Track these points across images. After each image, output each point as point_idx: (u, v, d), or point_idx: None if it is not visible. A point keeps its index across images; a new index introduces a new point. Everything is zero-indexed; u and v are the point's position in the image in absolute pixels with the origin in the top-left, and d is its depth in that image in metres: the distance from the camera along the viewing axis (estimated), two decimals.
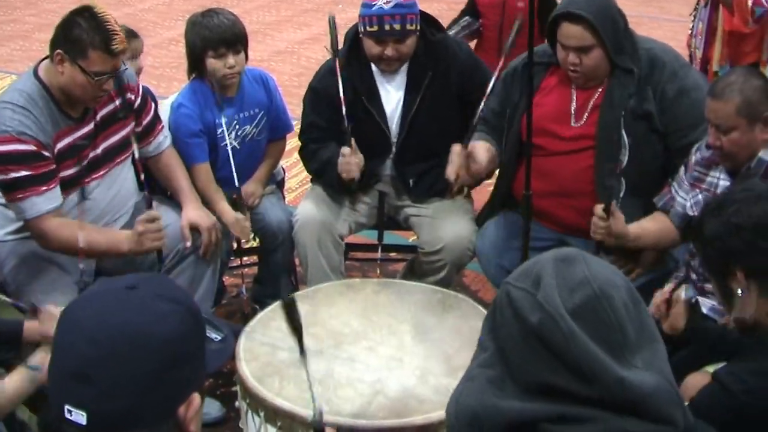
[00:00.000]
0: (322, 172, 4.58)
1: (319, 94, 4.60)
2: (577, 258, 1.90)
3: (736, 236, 2.58)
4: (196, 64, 4.49)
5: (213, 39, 4.34)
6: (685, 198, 3.84)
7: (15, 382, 2.89)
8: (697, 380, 3.21)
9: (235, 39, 4.39)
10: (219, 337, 1.99)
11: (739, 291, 2.60)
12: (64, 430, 1.68)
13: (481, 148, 4.25)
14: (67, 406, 1.67)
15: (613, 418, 1.76)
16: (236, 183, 4.60)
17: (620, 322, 1.80)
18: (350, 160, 4.33)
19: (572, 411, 1.77)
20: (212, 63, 4.39)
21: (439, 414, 2.83)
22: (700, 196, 3.76)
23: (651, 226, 3.99)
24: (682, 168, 3.88)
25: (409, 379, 3.18)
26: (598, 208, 3.83)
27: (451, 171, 4.19)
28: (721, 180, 3.71)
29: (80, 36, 3.68)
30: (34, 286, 3.91)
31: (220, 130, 4.53)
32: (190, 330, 1.77)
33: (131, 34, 4.63)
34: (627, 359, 1.79)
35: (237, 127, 4.58)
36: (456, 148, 4.22)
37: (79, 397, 1.66)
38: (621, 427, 1.77)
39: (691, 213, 3.79)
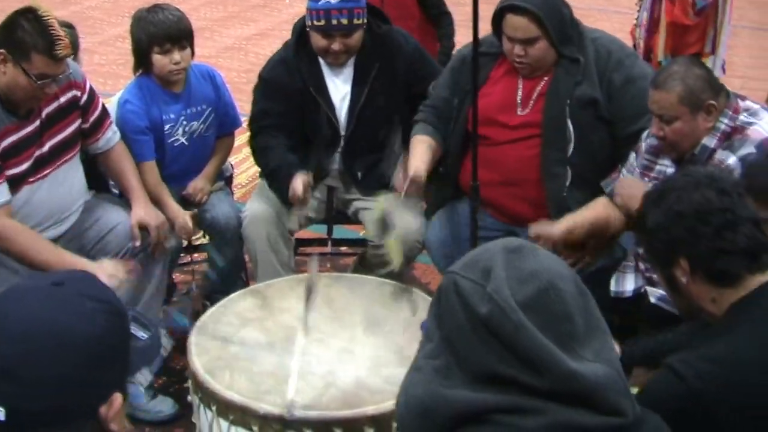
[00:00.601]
0: (270, 179, 4.57)
1: (269, 83, 4.60)
2: (527, 249, 1.90)
3: (679, 224, 2.59)
4: (141, 60, 4.47)
5: (158, 35, 4.34)
6: None
7: None
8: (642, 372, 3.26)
9: (180, 34, 4.38)
10: (146, 336, 1.98)
11: (684, 279, 2.62)
12: None
13: (422, 158, 4.24)
14: None
15: (562, 410, 1.78)
16: (184, 180, 4.61)
17: (569, 313, 1.82)
18: (299, 200, 4.34)
19: (521, 402, 1.78)
20: (158, 59, 4.38)
21: (391, 404, 2.82)
22: (649, 185, 3.79)
23: (583, 217, 3.99)
24: (633, 154, 3.91)
25: (361, 371, 3.18)
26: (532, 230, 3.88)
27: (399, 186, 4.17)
28: (668, 168, 3.74)
29: (23, 39, 3.65)
30: None
31: (167, 127, 4.52)
32: (115, 329, 1.77)
33: (66, 26, 4.60)
34: (576, 351, 1.80)
35: (184, 123, 4.57)
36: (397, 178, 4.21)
37: None
38: (570, 419, 1.78)
39: None
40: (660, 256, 2.71)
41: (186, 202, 4.61)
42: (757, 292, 2.55)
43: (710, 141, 3.56)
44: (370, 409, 2.92)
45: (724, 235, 2.54)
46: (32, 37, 3.65)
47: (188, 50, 4.45)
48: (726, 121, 3.56)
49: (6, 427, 1.65)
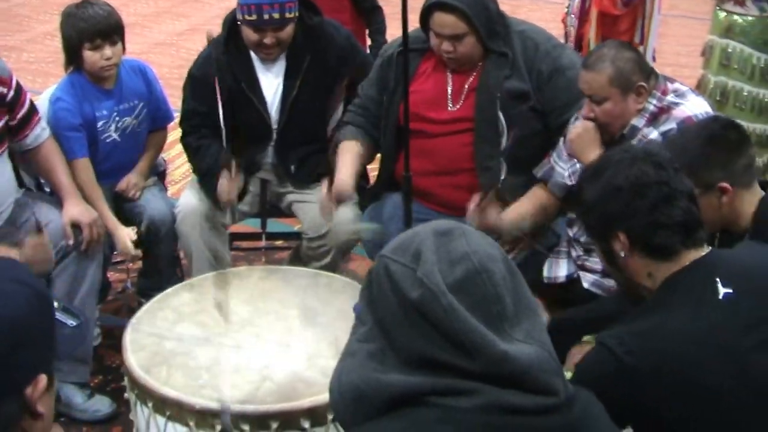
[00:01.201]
0: (201, 180, 4.56)
1: (198, 81, 4.58)
2: (457, 231, 1.91)
3: (616, 198, 2.61)
4: (72, 57, 4.43)
5: (89, 30, 4.30)
6: (564, 167, 3.90)
7: None
8: (575, 350, 3.28)
9: (110, 30, 4.35)
10: (74, 323, 1.99)
11: (622, 254, 2.64)
12: None
13: (348, 169, 4.25)
14: None
15: (495, 391, 1.79)
16: (117, 176, 4.61)
17: (500, 295, 1.82)
18: (228, 188, 4.35)
19: (455, 384, 1.79)
20: (89, 55, 4.35)
21: (325, 397, 2.82)
22: (577, 166, 3.82)
23: (524, 207, 4.04)
24: (561, 139, 3.95)
25: (297, 363, 3.18)
26: (475, 198, 3.90)
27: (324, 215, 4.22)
28: None
29: None
30: None
31: (100, 123, 4.49)
32: (37, 312, 1.76)
33: None
34: (507, 332, 1.81)
35: (117, 119, 4.54)
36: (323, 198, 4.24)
37: None
38: (504, 399, 1.79)
39: (569, 182, 3.86)
40: (598, 230, 2.73)
41: (120, 198, 4.57)
42: (689, 268, 2.58)
43: (639, 122, 3.63)
44: (306, 402, 2.93)
45: (660, 209, 2.57)
46: None
47: (119, 45, 4.41)
48: (654, 102, 3.63)
49: None
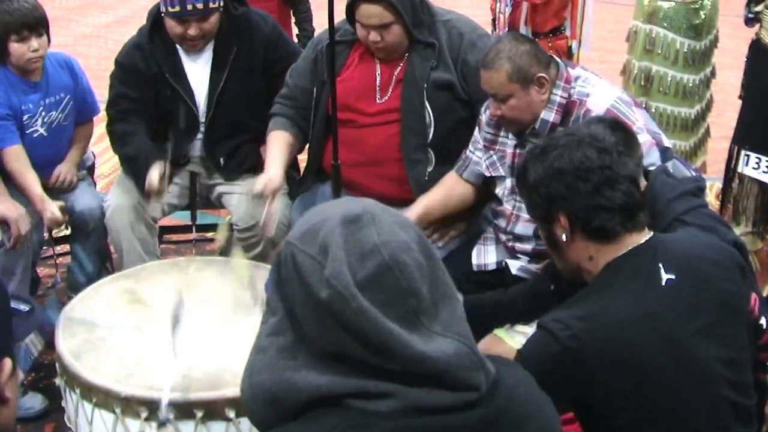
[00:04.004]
0: (127, 167, 4.54)
1: (125, 68, 4.55)
2: (365, 219, 1.81)
3: (559, 180, 2.63)
4: None
5: (15, 23, 4.27)
6: (481, 158, 3.93)
7: None
8: (486, 345, 3.30)
9: (36, 22, 4.33)
10: (26, 308, 1.99)
11: (563, 236, 2.67)
12: None
13: (276, 161, 4.24)
14: None
15: (413, 392, 1.75)
16: (44, 170, 4.56)
17: (414, 288, 1.76)
18: (158, 181, 4.31)
19: (370, 386, 1.75)
20: (15, 47, 4.32)
21: None
22: (495, 157, 3.85)
23: (434, 198, 4.06)
24: (476, 129, 3.98)
25: (228, 354, 3.17)
26: None
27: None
28: (509, 140, 3.82)
29: None
30: None
31: (26, 117, 4.46)
32: None
33: None
34: (424, 325, 1.76)
35: (43, 114, 4.51)
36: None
37: None
38: (421, 401, 1.75)
39: (488, 174, 3.88)
40: (540, 212, 2.75)
41: (48, 193, 4.52)
42: (630, 253, 2.61)
43: (548, 114, 3.64)
44: (231, 391, 2.91)
45: (602, 192, 2.59)
46: None
47: (45, 37, 4.39)
48: (559, 92, 3.64)
49: None
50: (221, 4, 4.36)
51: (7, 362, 1.76)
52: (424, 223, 4.00)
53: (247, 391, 1.88)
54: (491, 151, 3.88)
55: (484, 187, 4.04)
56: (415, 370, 1.73)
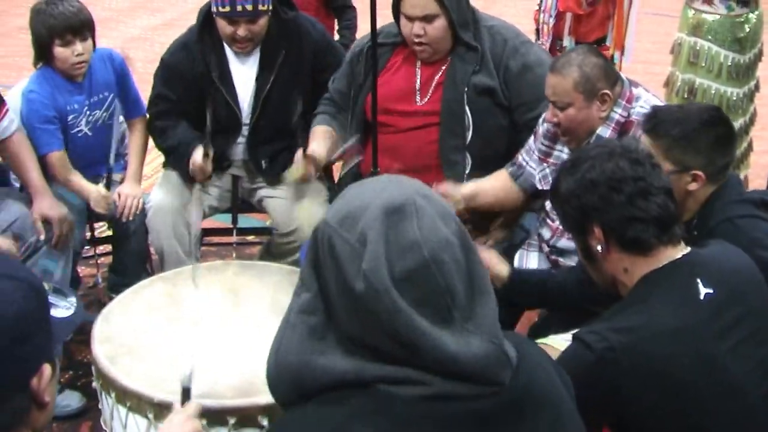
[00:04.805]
0: (170, 156, 4.59)
1: (169, 67, 4.59)
2: (408, 210, 1.80)
3: (591, 192, 2.63)
4: (43, 53, 4.42)
5: (59, 27, 4.28)
6: (535, 169, 3.92)
7: None
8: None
9: (81, 26, 4.34)
10: (68, 306, 2.01)
11: (598, 247, 2.66)
12: None
13: (320, 143, 4.31)
14: None
15: (440, 381, 1.78)
16: (87, 170, 4.59)
17: (450, 285, 1.77)
18: (200, 170, 4.37)
19: (397, 371, 1.78)
20: (60, 51, 4.34)
21: None
22: (547, 170, 3.84)
23: (488, 184, 4.08)
24: (531, 138, 3.97)
25: (261, 360, 3.15)
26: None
27: (294, 172, 4.23)
28: (564, 154, 3.80)
29: None
30: None
31: (71, 117, 4.48)
32: (33, 306, 1.78)
33: None
34: (457, 322, 1.77)
35: (88, 113, 4.53)
36: (299, 155, 4.26)
37: None
38: (448, 390, 1.78)
39: (540, 186, 3.87)
40: (574, 224, 2.74)
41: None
42: (667, 267, 2.60)
43: (604, 131, 3.62)
44: (264, 399, 2.90)
45: (636, 203, 2.58)
46: None
47: (90, 41, 4.41)
48: (619, 111, 3.62)
49: None
50: (270, 7, 4.37)
51: (47, 368, 1.78)
52: (470, 204, 4.01)
53: (272, 368, 1.91)
54: (545, 164, 3.88)
55: (531, 196, 4.04)
56: (444, 369, 1.76)
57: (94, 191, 4.42)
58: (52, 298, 1.95)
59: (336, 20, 6.14)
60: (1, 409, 1.72)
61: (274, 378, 1.91)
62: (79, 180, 4.46)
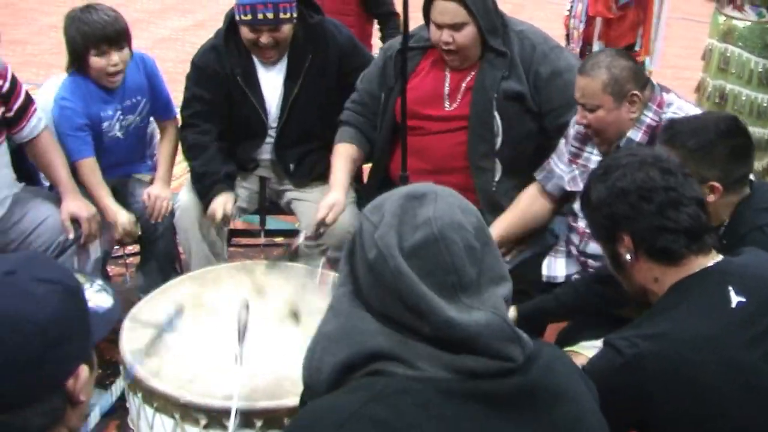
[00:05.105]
0: (194, 181, 4.57)
1: (200, 69, 4.59)
2: (429, 196, 1.94)
3: (622, 201, 2.62)
4: (77, 60, 4.40)
5: (94, 36, 4.27)
6: (564, 171, 3.92)
7: None
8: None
9: (116, 35, 4.32)
10: (107, 303, 2.03)
11: (627, 256, 2.65)
12: None
13: (339, 185, 4.27)
14: None
15: (448, 356, 1.84)
16: (118, 170, 4.66)
17: (457, 264, 1.85)
18: (222, 212, 4.38)
19: (413, 347, 1.86)
20: (95, 61, 4.32)
21: None
22: (576, 172, 3.83)
23: (513, 219, 4.09)
24: (562, 140, 3.96)
25: (288, 362, 3.16)
26: None
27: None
28: (593, 155, 3.79)
29: None
30: None
31: (105, 124, 4.50)
32: (70, 309, 1.79)
33: None
34: (462, 300, 1.85)
35: (121, 118, 4.54)
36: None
37: None
38: (459, 363, 1.84)
39: (569, 188, 3.87)
40: (603, 232, 2.74)
41: (118, 194, 4.57)
42: (698, 274, 2.59)
43: (635, 134, 3.61)
44: (291, 401, 2.92)
45: (666, 213, 2.58)
46: None
47: (126, 50, 4.39)
48: (650, 114, 3.61)
49: None
50: (294, 14, 4.37)
51: (84, 369, 1.80)
52: (504, 241, 4.03)
53: (313, 360, 2.02)
54: (574, 165, 3.87)
55: (561, 201, 4.04)
56: (446, 335, 1.82)
57: (121, 225, 4.39)
58: (96, 291, 1.99)
59: (379, 27, 6.15)
60: (39, 409, 1.73)
61: (314, 371, 2.00)
62: (106, 198, 4.43)
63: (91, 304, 1.94)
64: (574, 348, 3.09)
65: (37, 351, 1.71)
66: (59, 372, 1.76)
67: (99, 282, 2.11)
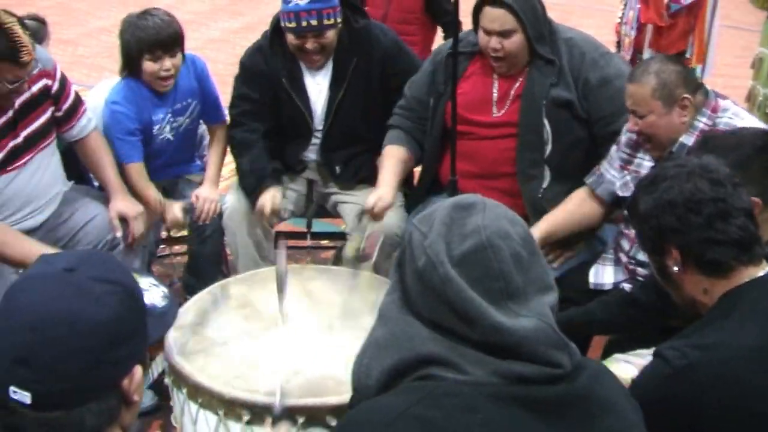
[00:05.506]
0: (241, 179, 4.60)
1: (248, 69, 4.63)
2: (477, 206, 1.98)
3: (669, 213, 2.58)
4: (130, 64, 4.45)
5: (149, 41, 4.32)
6: (616, 177, 3.89)
7: None
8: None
9: (171, 41, 4.37)
10: (164, 303, 2.06)
11: (675, 268, 2.62)
12: (11, 406, 1.73)
13: (387, 181, 4.29)
14: (11, 387, 1.71)
15: (497, 362, 1.86)
16: (167, 171, 4.70)
17: (504, 271, 1.88)
18: (270, 207, 4.40)
19: (462, 353, 1.87)
20: (148, 65, 4.37)
21: None
22: (628, 178, 3.81)
23: (562, 216, 4.06)
24: (614, 147, 3.93)
25: (331, 361, 3.19)
26: None
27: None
28: (645, 161, 3.77)
29: None
30: None
31: (156, 127, 4.54)
32: (128, 309, 1.81)
33: (35, 19, 4.59)
34: (509, 306, 1.87)
35: (171, 120, 4.58)
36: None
37: (21, 380, 1.71)
38: (506, 368, 1.85)
39: (620, 193, 3.84)
40: (651, 244, 2.70)
41: (167, 195, 4.60)
42: (748, 285, 2.54)
43: (688, 139, 3.56)
44: (333, 399, 2.93)
45: (715, 225, 2.53)
46: None
47: (179, 56, 4.44)
48: (704, 119, 3.56)
49: (35, 408, 1.71)
50: (338, 20, 4.39)
51: (138, 370, 1.82)
52: (547, 243, 4.01)
53: (364, 366, 2.03)
54: (625, 171, 3.84)
55: (611, 207, 4.02)
56: (494, 341, 1.85)
57: (171, 212, 4.47)
58: (155, 290, 2.02)
59: (444, 36, 6.17)
60: (95, 408, 1.76)
61: (364, 375, 2.02)
62: (155, 196, 4.49)
63: (146, 300, 1.96)
64: (607, 362, 3.07)
65: (94, 351, 1.73)
66: (116, 372, 1.78)
67: (152, 279, 2.13)
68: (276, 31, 4.52)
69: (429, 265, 1.91)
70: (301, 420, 2.94)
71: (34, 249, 3.73)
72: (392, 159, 4.40)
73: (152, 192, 4.49)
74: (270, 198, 4.40)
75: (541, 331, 1.87)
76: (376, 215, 4.12)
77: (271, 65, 4.52)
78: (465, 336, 1.87)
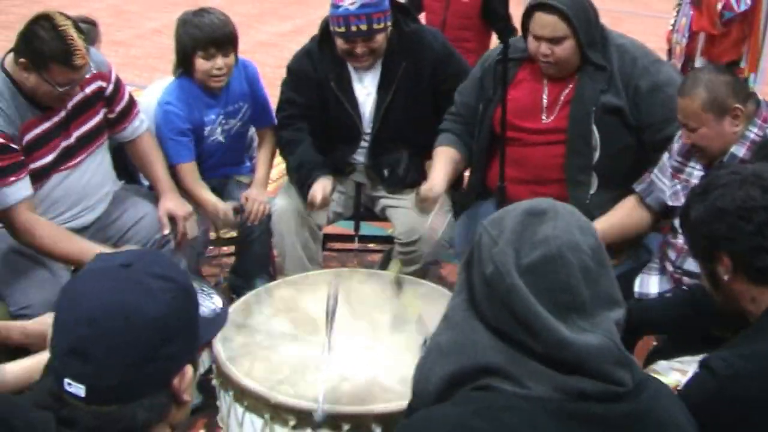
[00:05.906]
0: (292, 175, 4.63)
1: (295, 73, 4.65)
2: (549, 213, 1.96)
3: (721, 220, 2.58)
4: (184, 63, 4.47)
5: (203, 39, 4.34)
6: (666, 185, 3.86)
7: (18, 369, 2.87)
8: None
9: (225, 40, 4.38)
10: (215, 307, 2.07)
11: (725, 276, 2.61)
12: (65, 399, 1.76)
13: (439, 172, 4.33)
14: (66, 380, 1.74)
15: (560, 377, 1.84)
16: (216, 172, 4.72)
17: (572, 284, 1.87)
18: (322, 195, 4.41)
19: (524, 364, 1.86)
20: (201, 63, 4.39)
21: (399, 404, 2.81)
22: (678, 187, 3.78)
23: (613, 220, 4.03)
24: (666, 154, 3.90)
25: (378, 368, 3.19)
26: None
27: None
28: (696, 170, 3.74)
29: (41, 49, 3.65)
30: (18, 284, 3.85)
31: (207, 128, 4.56)
32: (182, 307, 1.83)
33: (86, 22, 4.63)
34: (574, 321, 1.86)
35: (223, 122, 4.60)
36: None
37: (76, 372, 1.74)
38: (568, 385, 1.84)
39: (670, 202, 3.82)
40: (701, 251, 2.71)
41: (217, 196, 4.62)
42: None
43: (739, 150, 3.54)
44: (379, 407, 2.93)
45: (765, 233, 2.53)
46: (49, 48, 3.64)
47: (232, 56, 4.45)
48: (755, 130, 3.53)
49: (88, 401, 1.74)
50: (387, 24, 4.39)
51: (189, 369, 1.84)
52: None
53: (425, 372, 2.03)
54: (676, 180, 3.81)
55: (659, 215, 4.00)
56: (557, 355, 1.83)
57: (222, 211, 4.48)
58: (205, 296, 2.03)
59: (499, 40, 6.18)
60: (147, 404, 1.78)
61: (423, 382, 2.03)
62: (207, 195, 4.51)
63: (202, 308, 1.97)
64: (652, 367, 3.06)
65: (147, 346, 1.75)
66: (168, 369, 1.80)
67: (203, 284, 2.14)
68: (324, 34, 4.53)
69: (496, 274, 1.91)
70: (346, 427, 2.94)
71: (89, 247, 3.77)
72: (444, 156, 4.41)
73: (206, 193, 4.52)
74: (321, 188, 4.41)
75: (606, 348, 1.85)
76: (426, 203, 4.15)
77: (319, 69, 4.53)
78: (528, 347, 1.86)
